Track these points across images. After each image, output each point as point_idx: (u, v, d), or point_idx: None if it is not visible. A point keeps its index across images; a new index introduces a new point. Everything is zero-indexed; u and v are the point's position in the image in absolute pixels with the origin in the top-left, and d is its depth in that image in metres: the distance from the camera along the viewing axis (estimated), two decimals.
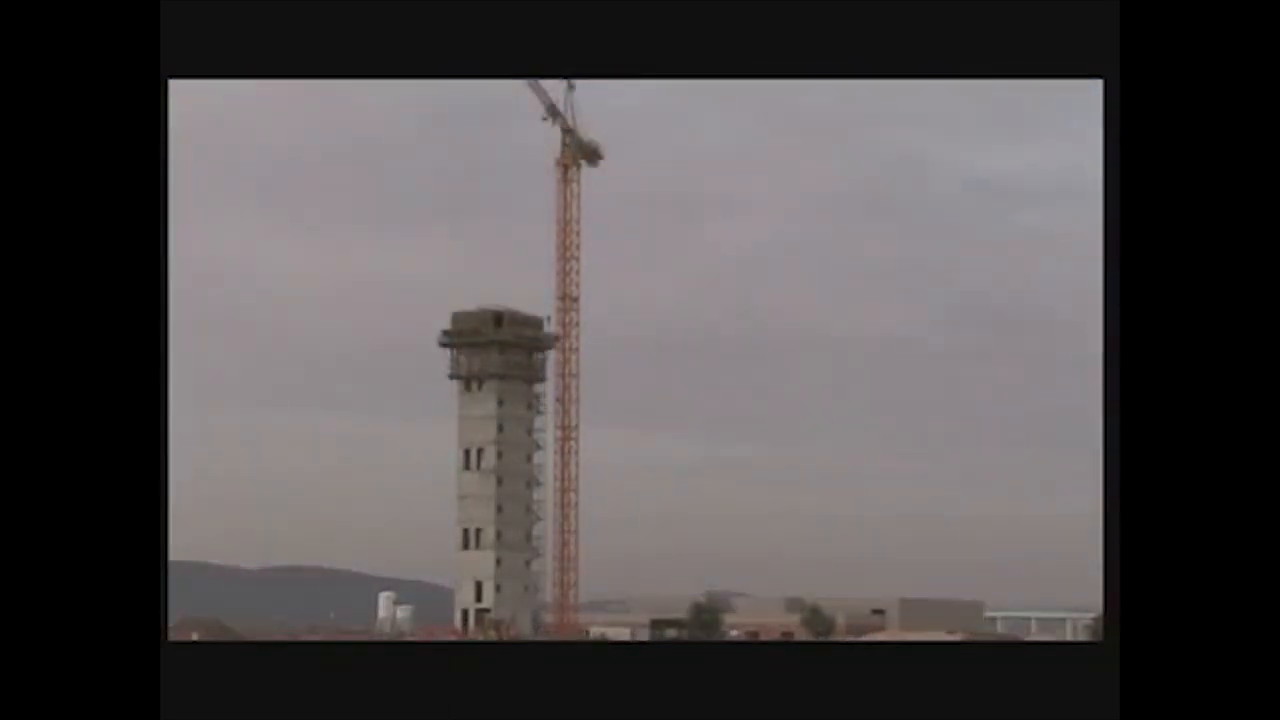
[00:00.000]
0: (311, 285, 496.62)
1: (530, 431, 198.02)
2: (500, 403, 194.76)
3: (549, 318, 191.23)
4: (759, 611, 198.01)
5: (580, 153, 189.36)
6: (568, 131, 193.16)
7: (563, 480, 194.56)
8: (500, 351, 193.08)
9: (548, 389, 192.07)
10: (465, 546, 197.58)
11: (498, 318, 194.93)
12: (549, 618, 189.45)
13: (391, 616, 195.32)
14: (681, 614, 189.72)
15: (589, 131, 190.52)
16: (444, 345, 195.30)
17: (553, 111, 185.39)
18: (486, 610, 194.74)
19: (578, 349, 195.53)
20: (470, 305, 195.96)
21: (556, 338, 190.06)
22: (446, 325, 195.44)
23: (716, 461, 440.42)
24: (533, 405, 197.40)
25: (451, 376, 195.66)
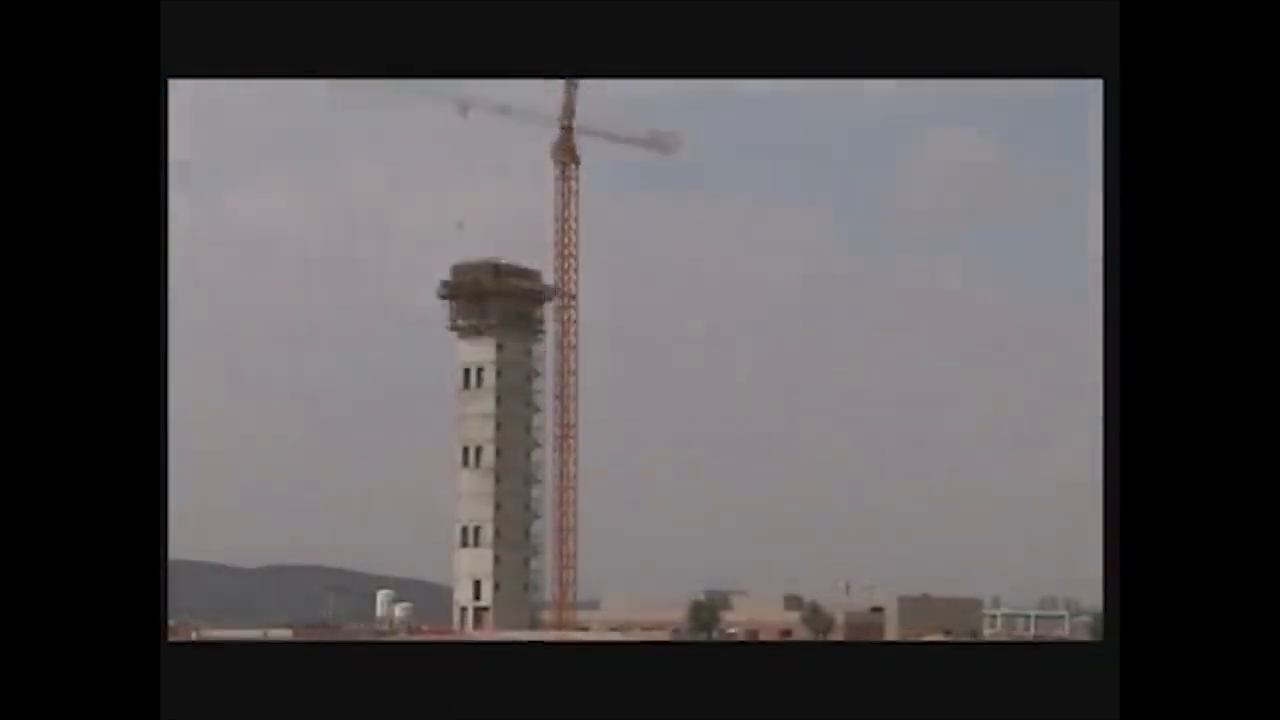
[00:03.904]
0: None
1: (529, 429, 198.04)
2: (499, 400, 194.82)
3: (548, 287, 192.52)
4: (758, 610, 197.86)
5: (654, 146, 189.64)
6: (567, 129, 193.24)
7: (562, 478, 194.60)
8: (499, 302, 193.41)
9: (547, 353, 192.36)
10: (464, 544, 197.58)
11: (495, 269, 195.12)
12: (547, 616, 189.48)
13: (390, 615, 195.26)
14: (678, 617, 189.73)
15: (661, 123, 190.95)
16: (443, 297, 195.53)
17: (463, 107, 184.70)
18: (485, 608, 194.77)
19: (576, 345, 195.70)
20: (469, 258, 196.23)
21: (557, 290, 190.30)
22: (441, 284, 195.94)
23: (717, 456, 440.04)
24: (531, 403, 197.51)
25: (450, 328, 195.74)
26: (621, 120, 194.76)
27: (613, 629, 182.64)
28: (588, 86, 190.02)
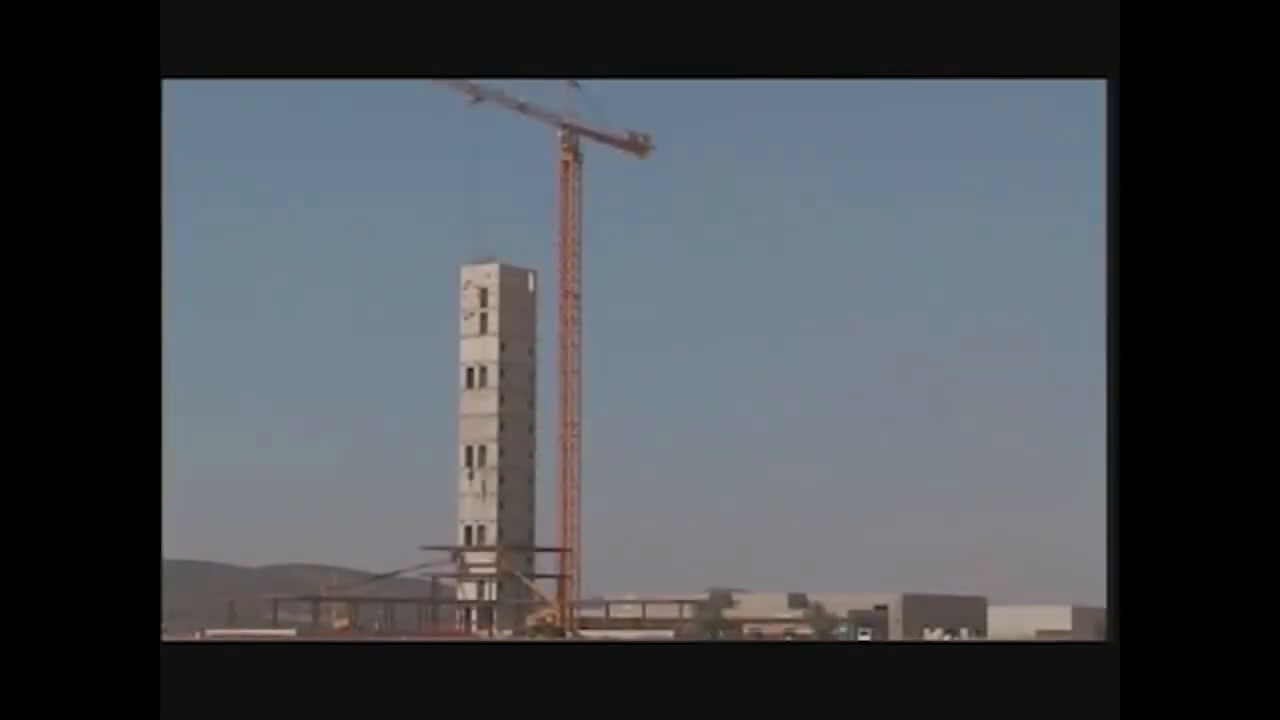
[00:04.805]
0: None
1: (531, 428, 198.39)
2: (502, 399, 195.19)
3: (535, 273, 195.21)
4: (763, 608, 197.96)
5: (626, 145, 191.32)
6: (568, 127, 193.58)
7: (564, 477, 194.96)
8: (502, 301, 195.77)
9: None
10: (467, 543, 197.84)
11: (499, 268, 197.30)
12: (550, 615, 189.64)
13: (392, 614, 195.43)
14: (682, 616, 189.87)
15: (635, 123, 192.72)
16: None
17: (475, 97, 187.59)
18: (488, 607, 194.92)
19: (579, 344, 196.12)
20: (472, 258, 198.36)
21: (560, 290, 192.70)
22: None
23: (719, 454, 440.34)
24: (534, 403, 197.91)
25: (454, 328, 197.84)
26: (620, 120, 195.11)
27: (616, 628, 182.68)
28: (589, 86, 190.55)
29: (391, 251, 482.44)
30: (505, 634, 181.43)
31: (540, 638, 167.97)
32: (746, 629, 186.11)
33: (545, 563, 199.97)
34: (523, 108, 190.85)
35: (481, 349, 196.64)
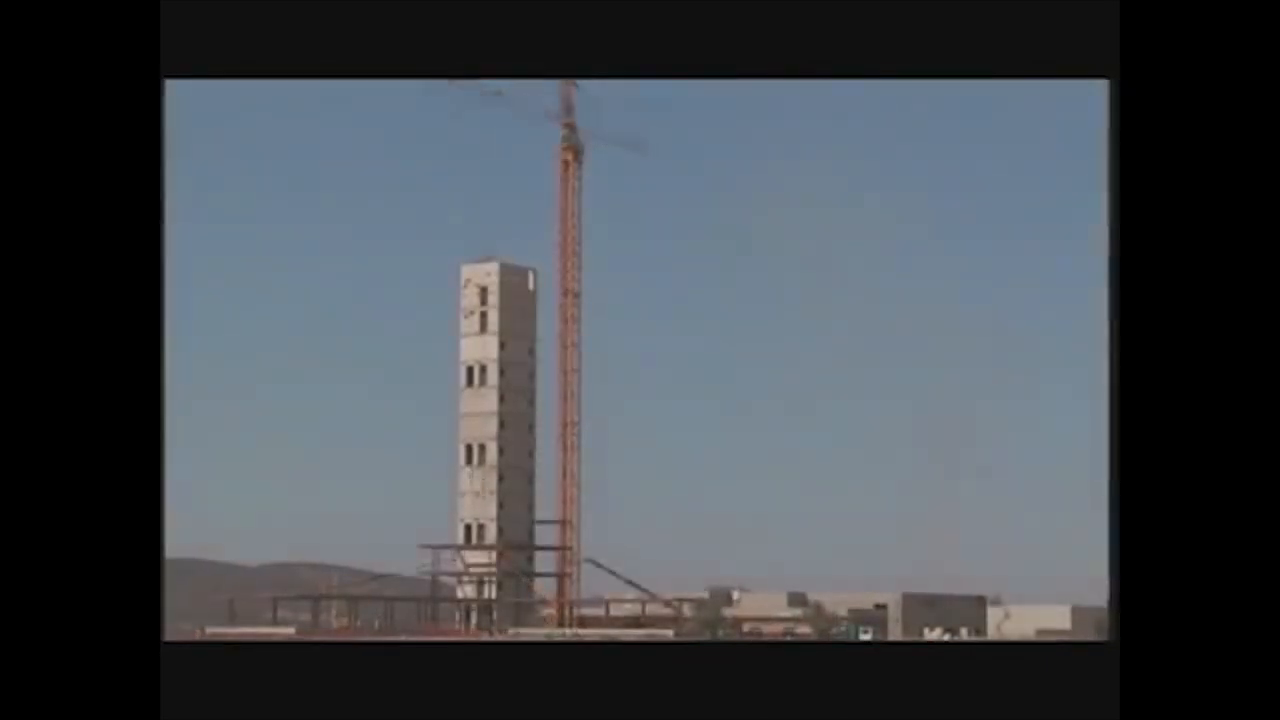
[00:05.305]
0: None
1: (531, 427, 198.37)
2: (501, 398, 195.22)
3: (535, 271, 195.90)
4: (762, 606, 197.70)
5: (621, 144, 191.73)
6: (568, 127, 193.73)
7: (564, 476, 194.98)
8: (502, 299, 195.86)
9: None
10: (467, 542, 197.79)
11: (498, 266, 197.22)
12: (550, 614, 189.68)
13: (391, 613, 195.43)
14: (682, 614, 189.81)
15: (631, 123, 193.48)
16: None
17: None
18: (492, 602, 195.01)
19: (579, 344, 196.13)
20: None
21: (560, 288, 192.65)
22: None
23: (720, 454, 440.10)
24: (534, 401, 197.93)
25: (453, 326, 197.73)
26: (621, 120, 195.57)
27: (616, 627, 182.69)
28: (589, 86, 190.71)
29: (391, 251, 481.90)
30: (504, 634, 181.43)
31: (540, 637, 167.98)
32: (746, 628, 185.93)
33: (545, 562, 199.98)
34: (522, 108, 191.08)
35: (481, 348, 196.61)
